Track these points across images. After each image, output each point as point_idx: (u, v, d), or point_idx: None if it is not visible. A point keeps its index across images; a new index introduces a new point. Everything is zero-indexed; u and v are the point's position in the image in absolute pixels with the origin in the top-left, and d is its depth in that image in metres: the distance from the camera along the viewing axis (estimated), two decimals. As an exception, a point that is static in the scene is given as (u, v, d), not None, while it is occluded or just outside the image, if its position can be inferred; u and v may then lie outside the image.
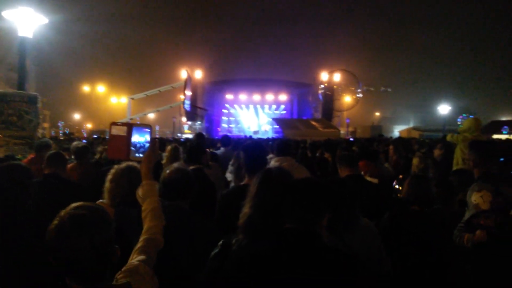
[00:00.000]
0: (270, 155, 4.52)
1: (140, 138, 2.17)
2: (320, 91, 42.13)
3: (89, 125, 47.70)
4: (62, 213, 1.44)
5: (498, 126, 35.21)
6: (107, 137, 22.06)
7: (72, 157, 5.44)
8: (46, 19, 10.84)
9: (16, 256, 2.18)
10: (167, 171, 2.76)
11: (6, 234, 2.25)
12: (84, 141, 11.96)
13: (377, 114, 75.49)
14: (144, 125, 2.23)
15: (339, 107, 43.53)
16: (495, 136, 27.86)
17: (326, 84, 42.15)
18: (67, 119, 59.73)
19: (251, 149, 3.42)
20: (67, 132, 28.29)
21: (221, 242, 2.11)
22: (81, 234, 1.39)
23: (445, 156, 6.34)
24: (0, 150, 7.84)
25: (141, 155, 2.15)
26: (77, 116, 62.43)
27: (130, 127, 2.14)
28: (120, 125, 2.17)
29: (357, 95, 43.31)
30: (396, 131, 52.12)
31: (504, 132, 33.54)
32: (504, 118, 48.15)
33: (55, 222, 1.42)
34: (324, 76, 42.91)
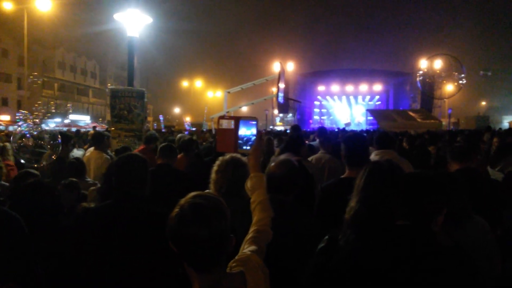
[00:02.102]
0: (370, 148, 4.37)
1: (246, 131, 2.21)
2: (418, 79, 39.26)
3: (188, 118, 50.56)
4: (182, 201, 1.49)
5: None
6: (204, 129, 23.04)
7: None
8: (151, 18, 11.57)
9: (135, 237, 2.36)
10: (273, 165, 2.78)
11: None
12: (186, 133, 12.67)
13: (483, 103, 69.16)
14: (250, 118, 2.25)
15: (440, 95, 40.26)
16: None
17: (425, 70, 38.98)
18: (167, 112, 63.89)
19: (352, 140, 3.32)
20: (170, 127, 30.45)
21: (327, 237, 2.08)
22: (201, 223, 1.42)
23: None
24: (113, 141, 8.59)
25: (248, 147, 2.19)
26: (177, 110, 66.65)
27: (238, 120, 2.19)
28: (227, 118, 2.23)
29: (460, 81, 39.13)
30: (506, 121, 47.11)
31: None
32: None
33: (176, 210, 1.47)
34: (423, 63, 39.93)
